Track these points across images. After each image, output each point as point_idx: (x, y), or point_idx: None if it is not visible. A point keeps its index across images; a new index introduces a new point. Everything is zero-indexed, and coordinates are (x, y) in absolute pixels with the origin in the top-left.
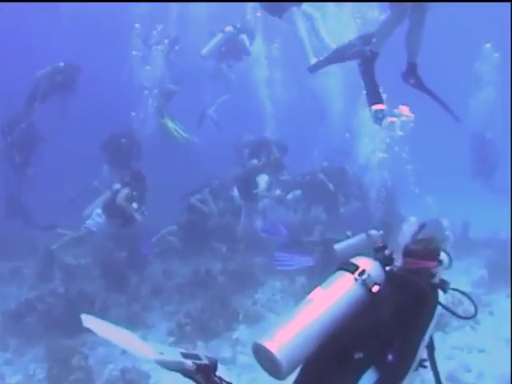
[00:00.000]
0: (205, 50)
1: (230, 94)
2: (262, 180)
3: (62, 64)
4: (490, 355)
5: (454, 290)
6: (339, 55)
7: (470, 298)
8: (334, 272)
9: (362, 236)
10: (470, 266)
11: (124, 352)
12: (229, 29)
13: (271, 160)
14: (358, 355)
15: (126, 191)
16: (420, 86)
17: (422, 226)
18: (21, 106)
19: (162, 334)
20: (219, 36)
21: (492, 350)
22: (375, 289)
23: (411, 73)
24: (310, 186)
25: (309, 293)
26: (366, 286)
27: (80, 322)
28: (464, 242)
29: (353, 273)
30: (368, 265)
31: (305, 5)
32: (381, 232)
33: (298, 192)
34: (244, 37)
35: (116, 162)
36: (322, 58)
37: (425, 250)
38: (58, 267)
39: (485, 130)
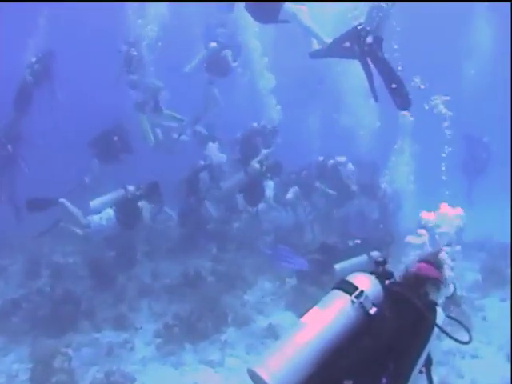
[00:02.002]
0: (187, 68)
1: (217, 109)
2: (269, 188)
3: (34, 59)
4: (484, 361)
5: (449, 317)
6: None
7: (464, 326)
8: (331, 291)
9: (364, 257)
10: (464, 270)
11: (109, 353)
12: (213, 45)
13: (269, 164)
14: (348, 383)
15: (149, 207)
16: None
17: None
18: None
19: (149, 336)
20: (202, 53)
21: (485, 356)
22: (372, 310)
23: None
24: (306, 181)
25: (298, 295)
26: (363, 308)
27: (65, 322)
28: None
29: (350, 294)
30: (366, 284)
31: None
32: (384, 253)
33: (296, 189)
34: (227, 53)
35: (106, 158)
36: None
37: (438, 261)
38: (46, 265)
39: (483, 132)
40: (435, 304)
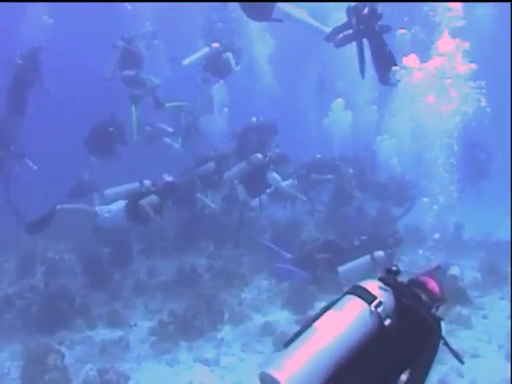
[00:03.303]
0: (186, 61)
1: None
2: (277, 178)
3: (17, 54)
4: (484, 360)
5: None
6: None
7: (455, 352)
8: (345, 295)
9: (367, 258)
10: (463, 268)
11: (103, 351)
12: (215, 45)
13: (274, 156)
14: None
15: (155, 199)
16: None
17: (437, 267)
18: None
19: (144, 333)
20: (204, 50)
21: (486, 355)
22: (387, 322)
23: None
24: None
25: (295, 293)
26: (379, 319)
27: (59, 319)
28: (457, 244)
29: (369, 303)
30: (382, 293)
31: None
32: (389, 251)
33: (294, 181)
34: (229, 55)
35: (103, 150)
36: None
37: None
38: (40, 262)
39: (478, 134)
40: (440, 318)
